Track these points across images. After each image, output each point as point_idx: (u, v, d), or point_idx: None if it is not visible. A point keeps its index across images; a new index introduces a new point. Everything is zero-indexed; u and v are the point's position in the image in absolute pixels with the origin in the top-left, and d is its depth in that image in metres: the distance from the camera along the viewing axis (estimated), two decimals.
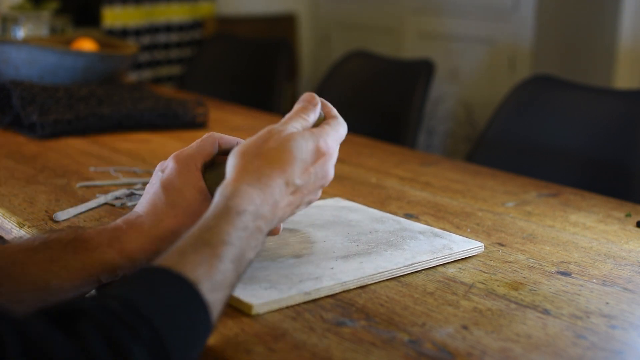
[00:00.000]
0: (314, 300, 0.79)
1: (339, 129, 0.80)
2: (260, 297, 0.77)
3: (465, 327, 0.74)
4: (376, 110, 2.12)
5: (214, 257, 0.66)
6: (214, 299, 0.64)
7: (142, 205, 0.81)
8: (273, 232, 0.82)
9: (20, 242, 0.78)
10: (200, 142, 0.84)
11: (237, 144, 0.84)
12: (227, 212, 0.70)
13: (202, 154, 0.83)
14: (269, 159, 0.74)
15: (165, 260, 0.65)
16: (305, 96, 0.81)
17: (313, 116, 0.80)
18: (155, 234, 0.78)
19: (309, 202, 0.79)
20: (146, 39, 3.45)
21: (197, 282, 0.63)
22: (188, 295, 0.62)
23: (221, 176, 0.78)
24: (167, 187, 0.80)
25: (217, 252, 0.66)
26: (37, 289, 0.74)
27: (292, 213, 0.78)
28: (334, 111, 0.83)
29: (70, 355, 0.53)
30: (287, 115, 0.80)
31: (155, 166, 0.91)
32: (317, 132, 0.78)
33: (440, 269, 0.89)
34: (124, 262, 0.77)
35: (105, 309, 0.58)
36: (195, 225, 0.69)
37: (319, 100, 0.81)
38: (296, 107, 0.81)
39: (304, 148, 0.76)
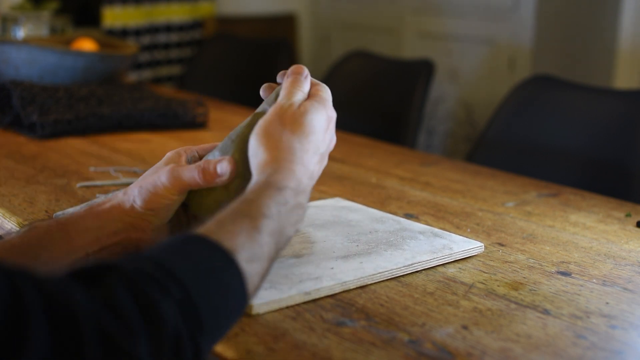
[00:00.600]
0: (314, 300, 0.79)
1: (329, 93, 0.83)
2: (260, 297, 0.77)
3: (465, 327, 0.74)
4: (376, 110, 2.12)
5: (253, 229, 0.66)
6: (251, 269, 0.64)
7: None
8: None
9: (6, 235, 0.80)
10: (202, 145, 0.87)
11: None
12: (268, 187, 0.71)
13: (198, 147, 0.86)
14: (296, 133, 0.76)
15: (203, 229, 0.65)
16: (294, 69, 0.83)
17: (306, 86, 0.82)
18: (128, 198, 0.80)
19: (324, 165, 0.82)
20: (146, 39, 3.45)
21: (233, 251, 0.63)
22: (223, 262, 0.62)
23: (203, 193, 0.79)
24: (150, 173, 0.82)
25: (255, 224, 0.67)
26: (27, 264, 0.73)
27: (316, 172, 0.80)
28: (314, 80, 0.84)
29: (93, 307, 0.52)
30: (284, 88, 0.81)
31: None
32: (322, 101, 0.80)
33: (440, 269, 0.89)
34: (102, 224, 0.78)
35: (135, 266, 0.57)
36: (236, 200, 0.70)
37: (307, 70, 0.83)
38: (289, 80, 0.82)
39: (319, 118, 0.78)
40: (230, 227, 0.65)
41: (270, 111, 0.78)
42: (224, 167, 0.79)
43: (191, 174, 0.79)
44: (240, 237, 0.65)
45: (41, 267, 0.74)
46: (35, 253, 0.75)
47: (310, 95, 0.81)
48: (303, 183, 0.74)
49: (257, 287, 0.66)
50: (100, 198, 0.83)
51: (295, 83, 0.81)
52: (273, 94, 0.84)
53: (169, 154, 0.84)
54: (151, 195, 0.79)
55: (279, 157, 0.74)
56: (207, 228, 0.65)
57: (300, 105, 0.79)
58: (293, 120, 0.77)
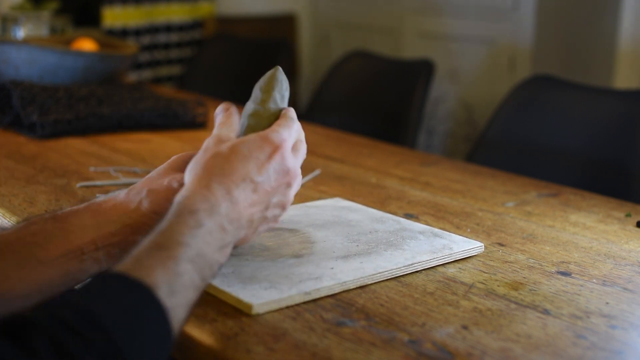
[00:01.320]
0: (314, 300, 0.79)
1: (289, 124, 0.80)
2: (260, 297, 0.77)
3: (465, 327, 0.74)
4: (376, 110, 2.12)
5: (169, 259, 0.64)
6: (173, 303, 0.62)
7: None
8: (242, 241, 0.77)
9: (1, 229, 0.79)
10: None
11: None
12: (180, 213, 0.69)
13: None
14: (220, 164, 0.74)
15: (122, 266, 0.63)
16: (222, 106, 0.82)
17: (235, 123, 0.81)
18: (131, 198, 0.79)
19: (281, 205, 0.79)
20: (146, 39, 3.45)
21: (153, 287, 0.61)
22: (145, 300, 0.61)
23: None
24: (151, 176, 0.82)
25: (171, 253, 0.65)
26: (21, 262, 0.73)
27: (264, 217, 0.77)
28: (288, 111, 0.83)
29: None
30: (215, 129, 0.80)
31: (154, 166, 0.92)
32: (265, 131, 0.78)
33: (440, 269, 0.89)
34: (100, 223, 0.77)
35: (58, 319, 0.56)
36: (150, 232, 0.68)
37: (234, 107, 0.82)
38: (220, 119, 0.81)
39: (253, 146, 0.76)
40: (146, 262, 0.63)
41: (203, 147, 0.77)
42: None
43: None
44: (158, 271, 0.63)
45: (36, 266, 0.74)
46: (30, 251, 0.74)
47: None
48: (220, 206, 0.71)
49: (183, 319, 0.64)
50: (100, 198, 0.83)
51: (226, 120, 0.80)
52: (256, 90, 0.84)
53: (175, 158, 0.84)
54: (161, 199, 0.79)
55: (192, 182, 0.73)
56: (125, 265, 0.63)
57: (233, 138, 0.78)
58: (223, 152, 0.75)
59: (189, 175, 0.74)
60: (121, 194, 0.81)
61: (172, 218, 0.69)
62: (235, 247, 0.75)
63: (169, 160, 0.84)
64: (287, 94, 0.85)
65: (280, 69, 0.85)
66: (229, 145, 0.76)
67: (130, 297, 0.60)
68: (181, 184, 0.78)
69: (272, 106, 0.83)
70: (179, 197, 0.72)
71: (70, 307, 0.57)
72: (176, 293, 0.63)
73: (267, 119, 0.83)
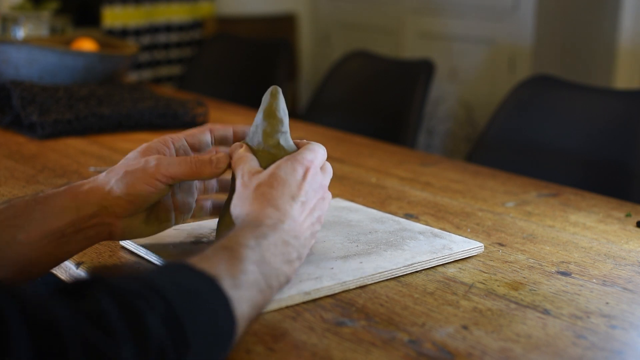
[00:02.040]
0: (314, 300, 0.79)
1: (313, 148, 0.82)
2: None
3: (465, 327, 0.74)
4: (376, 110, 2.12)
5: (234, 258, 0.66)
6: (238, 295, 0.63)
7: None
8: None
9: None
10: (190, 130, 0.87)
11: (231, 132, 0.87)
12: (244, 226, 0.72)
13: (185, 133, 0.86)
14: (267, 191, 0.76)
15: (187, 261, 0.64)
16: (237, 144, 0.84)
17: (253, 157, 0.82)
18: (109, 181, 0.80)
19: (319, 220, 0.81)
20: (146, 39, 3.45)
21: (217, 277, 0.63)
22: (208, 286, 0.62)
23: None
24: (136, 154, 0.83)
25: (235, 253, 0.67)
26: (4, 246, 0.74)
27: (313, 234, 0.79)
28: (310, 143, 0.84)
29: (77, 319, 0.51)
30: (239, 166, 0.81)
31: None
32: (293, 155, 0.80)
33: (440, 269, 0.89)
34: (79, 205, 0.78)
35: (120, 282, 0.57)
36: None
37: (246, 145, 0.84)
38: (237, 154, 0.82)
39: (287, 170, 0.78)
40: (210, 257, 0.65)
41: (237, 183, 0.79)
42: (218, 160, 0.81)
43: (180, 166, 0.80)
44: (221, 265, 0.64)
45: (18, 248, 0.75)
46: (11, 233, 0.75)
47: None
48: (283, 222, 0.74)
49: (248, 315, 0.65)
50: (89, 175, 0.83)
51: (242, 155, 0.81)
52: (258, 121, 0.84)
53: (153, 142, 0.84)
54: (135, 182, 0.79)
55: (248, 209, 0.75)
56: (190, 260, 0.65)
57: (263, 169, 0.80)
58: (262, 180, 0.77)
59: (238, 209, 0.77)
60: (99, 177, 0.81)
61: (236, 230, 0.71)
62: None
63: (145, 145, 0.84)
64: (286, 119, 0.85)
65: (277, 94, 0.85)
66: (265, 174, 0.78)
67: (193, 282, 0.61)
68: (157, 161, 0.80)
69: (277, 141, 0.83)
70: (237, 220, 0.75)
71: (135, 279, 0.58)
72: (240, 287, 0.64)
73: (272, 156, 0.83)
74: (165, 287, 0.58)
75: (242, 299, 0.64)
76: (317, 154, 0.81)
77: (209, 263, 0.64)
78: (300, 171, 0.78)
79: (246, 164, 0.80)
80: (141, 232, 0.83)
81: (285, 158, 0.80)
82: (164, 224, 0.85)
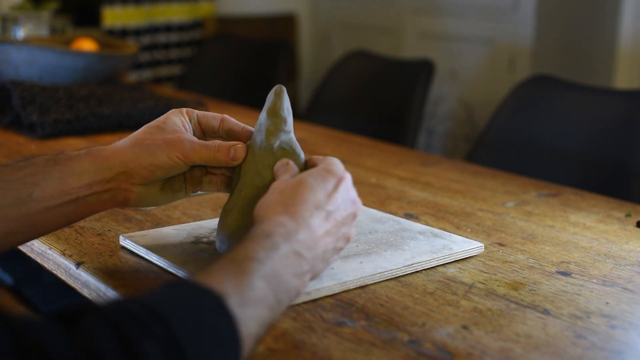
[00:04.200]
0: (314, 300, 0.79)
1: (335, 161, 0.80)
2: None
3: (465, 327, 0.74)
4: (376, 110, 2.12)
5: (241, 272, 0.63)
6: (244, 314, 0.61)
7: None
8: (315, 275, 0.75)
9: (4, 162, 0.80)
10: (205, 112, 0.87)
11: (220, 119, 0.87)
12: (254, 236, 0.69)
13: (200, 112, 0.86)
14: (290, 193, 0.74)
15: (193, 276, 0.63)
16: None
17: (295, 169, 0.81)
18: (132, 148, 0.80)
19: (346, 237, 0.77)
20: (146, 39, 3.45)
21: (224, 294, 0.60)
22: (212, 305, 0.59)
23: None
24: (152, 126, 0.83)
25: (243, 267, 0.64)
26: (19, 202, 0.76)
27: (336, 249, 0.75)
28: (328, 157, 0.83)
29: (70, 351, 0.50)
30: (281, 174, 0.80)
31: None
32: (324, 164, 0.78)
33: (440, 269, 0.89)
34: (98, 169, 0.78)
35: (121, 309, 0.55)
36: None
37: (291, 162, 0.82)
38: (282, 169, 0.81)
39: (318, 177, 0.75)
40: (217, 273, 0.63)
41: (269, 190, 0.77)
42: (237, 151, 0.82)
43: (201, 151, 0.81)
44: (228, 281, 0.62)
45: (33, 204, 0.76)
46: (28, 191, 0.76)
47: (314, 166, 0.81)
48: (298, 232, 0.70)
49: (256, 335, 0.62)
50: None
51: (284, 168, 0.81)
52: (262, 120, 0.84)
53: (172, 114, 0.84)
54: (159, 153, 0.79)
55: (265, 212, 0.73)
56: (196, 275, 0.63)
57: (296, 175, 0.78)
58: (290, 186, 0.75)
59: (258, 211, 0.74)
60: (121, 142, 0.81)
61: (246, 241, 0.68)
62: (311, 279, 0.74)
63: (164, 117, 0.83)
64: (290, 119, 0.85)
65: (281, 93, 0.85)
66: (294, 179, 0.76)
67: (198, 302, 0.59)
68: (182, 140, 0.80)
69: (280, 140, 0.83)
70: (251, 230, 0.71)
71: (135, 302, 0.57)
72: (247, 305, 0.62)
73: (276, 154, 0.83)
74: (167, 309, 0.56)
75: (249, 317, 0.61)
76: (342, 167, 0.79)
77: (215, 279, 0.62)
78: (332, 181, 0.76)
79: (286, 174, 0.79)
80: (156, 201, 0.84)
81: (318, 168, 0.77)
82: (178, 194, 0.85)
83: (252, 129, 0.87)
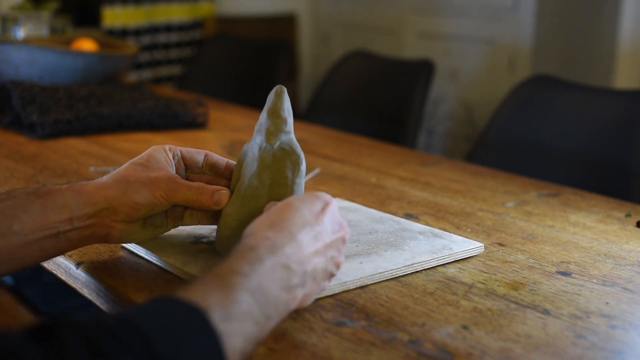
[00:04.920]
0: (314, 300, 0.79)
1: (321, 192, 0.79)
2: None
3: (465, 327, 0.74)
4: (376, 110, 2.12)
5: (225, 286, 0.62)
6: (229, 329, 0.59)
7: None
8: (307, 297, 0.73)
9: None
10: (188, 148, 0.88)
11: (204, 157, 0.87)
12: (238, 250, 0.68)
13: (183, 148, 0.86)
14: (276, 214, 0.73)
15: (176, 292, 0.62)
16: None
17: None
18: (117, 185, 0.80)
19: (335, 263, 0.76)
20: (146, 39, 3.45)
21: (207, 309, 0.59)
22: (195, 320, 0.58)
23: None
24: (136, 162, 0.83)
25: (227, 281, 0.63)
26: None
27: (326, 271, 0.74)
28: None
29: None
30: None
31: None
32: (310, 193, 0.78)
33: (440, 269, 0.89)
34: (80, 204, 0.78)
35: (97, 322, 0.54)
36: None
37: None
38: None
39: (305, 200, 0.75)
40: (201, 287, 0.62)
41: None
42: (220, 197, 0.82)
43: (184, 193, 0.81)
44: (212, 295, 0.60)
45: (12, 238, 0.75)
46: (8, 223, 0.75)
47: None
48: (284, 245, 0.69)
49: (242, 350, 0.61)
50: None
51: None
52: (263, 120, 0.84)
53: (154, 151, 0.84)
54: (145, 192, 0.80)
55: (251, 232, 0.72)
56: (180, 290, 0.61)
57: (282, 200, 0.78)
58: (277, 208, 0.75)
59: (245, 231, 0.73)
60: (104, 178, 0.81)
61: (230, 256, 0.67)
62: (300, 305, 0.73)
63: (147, 154, 0.84)
64: (290, 119, 0.85)
65: (282, 94, 0.84)
66: (281, 203, 0.76)
67: (179, 317, 0.58)
68: (166, 181, 0.80)
69: (280, 141, 0.83)
70: (237, 245, 0.71)
71: (114, 317, 0.56)
72: (231, 320, 0.60)
73: (276, 154, 0.83)
74: (145, 323, 0.55)
75: (234, 332, 0.60)
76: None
77: (198, 293, 0.60)
78: (318, 204, 0.75)
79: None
80: (138, 237, 0.84)
81: (305, 193, 0.78)
82: (159, 229, 0.86)
83: (234, 162, 0.87)
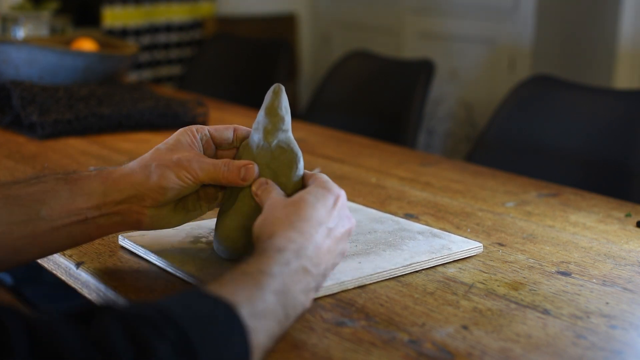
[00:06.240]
0: (314, 300, 0.79)
1: (328, 179, 0.80)
2: None
3: (465, 327, 0.74)
4: (376, 110, 2.12)
5: (254, 286, 0.64)
6: (255, 325, 0.62)
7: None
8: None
9: (16, 178, 0.80)
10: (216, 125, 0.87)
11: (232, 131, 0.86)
12: (266, 250, 0.69)
13: (211, 127, 0.85)
14: (295, 210, 0.74)
15: (206, 286, 0.63)
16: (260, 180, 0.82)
17: (277, 187, 0.81)
18: (142, 170, 0.80)
19: (342, 253, 0.78)
20: (146, 39, 3.45)
21: (236, 304, 0.61)
22: (225, 314, 0.60)
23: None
24: (162, 147, 0.82)
25: (256, 281, 0.65)
26: (26, 220, 0.75)
27: (334, 264, 0.76)
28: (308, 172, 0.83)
29: (83, 348, 0.51)
30: (265, 197, 0.80)
31: None
32: (320, 182, 0.79)
33: (440, 269, 0.89)
34: (107, 190, 0.78)
35: (135, 311, 0.56)
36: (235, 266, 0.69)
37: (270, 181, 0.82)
38: (263, 189, 0.80)
39: (318, 195, 0.76)
40: (230, 284, 0.64)
41: (265, 207, 0.77)
42: (247, 171, 0.80)
43: (210, 172, 0.79)
44: (241, 292, 0.63)
45: (40, 223, 0.75)
46: (36, 208, 0.75)
47: (306, 185, 0.81)
48: (305, 249, 0.71)
49: (264, 347, 0.63)
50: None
51: (268, 187, 0.80)
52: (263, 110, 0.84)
53: (181, 135, 0.83)
54: (169, 175, 0.79)
55: (274, 230, 0.73)
56: (209, 285, 0.64)
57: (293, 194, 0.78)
58: (291, 203, 0.75)
59: (261, 229, 0.74)
60: (131, 165, 0.81)
61: (258, 254, 0.69)
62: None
63: (175, 136, 0.83)
64: (288, 117, 0.84)
65: (279, 92, 0.84)
66: (296, 196, 0.76)
67: (210, 309, 0.60)
68: (190, 161, 0.79)
69: (277, 139, 0.83)
70: (260, 241, 0.72)
71: (148, 306, 0.57)
72: (258, 317, 0.63)
73: (273, 152, 0.83)
74: (180, 313, 0.57)
75: (260, 329, 0.62)
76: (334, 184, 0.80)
77: (227, 289, 0.63)
78: (331, 199, 0.76)
79: (272, 192, 0.79)
80: (169, 222, 0.83)
81: (315, 185, 0.78)
82: (192, 213, 0.84)
83: None
